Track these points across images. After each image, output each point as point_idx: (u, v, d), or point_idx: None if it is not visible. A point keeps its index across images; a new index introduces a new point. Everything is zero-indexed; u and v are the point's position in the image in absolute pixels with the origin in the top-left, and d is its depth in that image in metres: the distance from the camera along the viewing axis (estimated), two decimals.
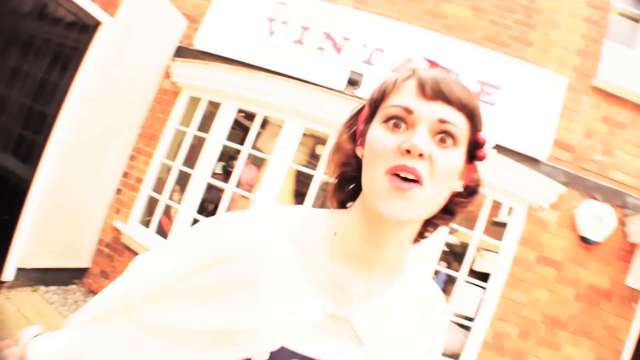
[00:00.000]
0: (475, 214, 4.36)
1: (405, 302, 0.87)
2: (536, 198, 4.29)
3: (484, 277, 4.38)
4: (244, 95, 4.49)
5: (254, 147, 4.62)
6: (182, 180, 4.90)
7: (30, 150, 4.16)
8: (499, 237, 4.36)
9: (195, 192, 4.57)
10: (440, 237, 4.29)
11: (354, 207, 0.85)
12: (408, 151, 0.71)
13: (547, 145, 4.42)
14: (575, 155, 4.44)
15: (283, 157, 4.36)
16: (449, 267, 5.89)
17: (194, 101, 5.04)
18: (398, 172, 0.71)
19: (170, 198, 4.91)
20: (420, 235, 0.90)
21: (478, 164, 0.85)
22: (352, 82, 4.41)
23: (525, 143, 4.41)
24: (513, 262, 4.30)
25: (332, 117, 4.20)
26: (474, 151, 0.81)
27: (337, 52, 4.72)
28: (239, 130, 6.61)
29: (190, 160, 4.93)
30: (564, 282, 4.24)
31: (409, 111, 0.74)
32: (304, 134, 4.51)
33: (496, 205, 4.59)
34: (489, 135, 0.80)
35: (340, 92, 4.35)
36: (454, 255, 5.98)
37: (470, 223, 4.40)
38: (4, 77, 3.85)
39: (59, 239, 4.54)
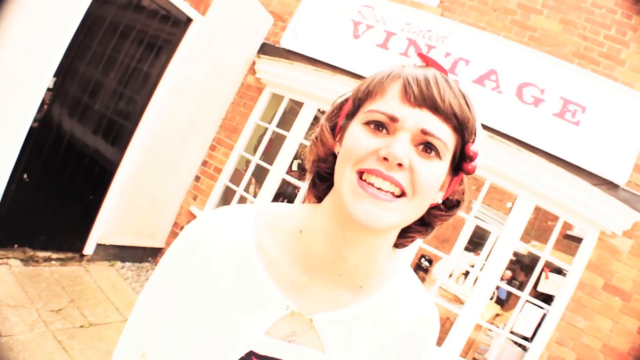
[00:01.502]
0: (549, 226, 4.31)
1: (378, 321, 0.81)
2: (610, 224, 4.19)
3: (545, 298, 4.37)
4: (325, 97, 4.57)
5: None
6: (258, 174, 5.07)
7: (119, 135, 4.38)
8: (570, 251, 4.29)
9: (270, 186, 4.74)
10: (509, 245, 4.29)
11: (323, 204, 0.81)
12: (386, 159, 0.66)
13: (627, 170, 4.29)
14: None
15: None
16: (514, 276, 5.90)
17: (276, 98, 5.17)
18: (371, 179, 0.67)
19: (246, 190, 5.10)
20: (396, 246, 0.86)
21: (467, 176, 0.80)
22: None
23: (605, 166, 4.28)
24: (578, 286, 4.26)
25: None
26: (461, 163, 0.76)
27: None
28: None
29: (268, 155, 5.09)
30: (629, 313, 4.17)
31: (393, 119, 0.68)
32: None
33: None
34: (479, 148, 0.75)
35: None
36: (520, 265, 5.98)
37: (543, 235, 4.36)
38: (101, 64, 4.04)
39: (137, 219, 4.81)
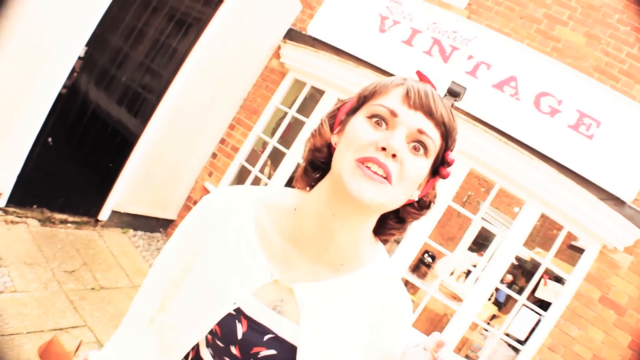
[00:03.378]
0: (553, 234, 4.38)
1: (353, 298, 0.90)
2: (612, 239, 4.25)
3: (542, 304, 4.47)
4: (347, 88, 4.65)
5: None
6: (274, 156, 5.18)
7: (143, 107, 4.48)
8: (573, 261, 4.37)
9: (285, 170, 4.85)
10: (512, 249, 4.38)
11: (317, 187, 0.91)
12: (384, 148, 0.77)
13: (635, 187, 4.34)
14: None
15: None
16: (515, 281, 5.98)
17: (298, 84, 5.25)
18: (368, 164, 0.77)
19: (261, 171, 5.21)
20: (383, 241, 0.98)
21: (440, 181, 0.92)
22: (453, 93, 4.41)
23: (614, 182, 4.33)
24: (575, 296, 4.34)
25: None
26: (439, 167, 0.88)
27: (444, 60, 4.74)
28: None
29: (285, 138, 5.19)
30: (622, 327, 4.25)
31: (393, 114, 0.80)
32: None
33: None
34: (456, 156, 0.87)
35: None
36: (522, 270, 6.05)
37: (547, 243, 4.42)
38: (131, 38, 4.13)
39: (153, 190, 4.93)
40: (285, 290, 0.89)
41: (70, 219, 4.39)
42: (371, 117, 0.82)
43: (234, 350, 0.89)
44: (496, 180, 4.46)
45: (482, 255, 6.78)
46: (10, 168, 3.74)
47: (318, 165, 0.94)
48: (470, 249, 7.69)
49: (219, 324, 0.88)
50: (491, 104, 4.53)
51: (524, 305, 4.39)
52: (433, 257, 6.58)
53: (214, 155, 5.44)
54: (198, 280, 0.92)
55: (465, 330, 4.43)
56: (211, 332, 0.90)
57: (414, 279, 4.96)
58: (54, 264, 3.72)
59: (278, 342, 0.87)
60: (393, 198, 0.81)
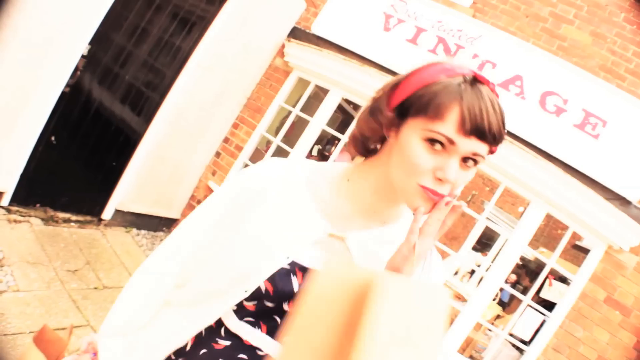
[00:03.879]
0: (558, 234, 4.36)
1: (394, 242, 0.94)
2: (618, 239, 4.23)
3: (547, 305, 4.45)
4: (351, 87, 4.64)
5: None
6: (278, 155, 5.14)
7: (146, 106, 4.47)
8: (578, 261, 4.35)
9: None
10: (517, 249, 4.35)
11: (375, 170, 0.97)
12: (440, 179, 0.83)
13: None
14: None
15: None
16: (519, 280, 5.96)
17: (302, 82, 5.23)
18: (428, 192, 0.83)
19: None
20: None
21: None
22: None
23: (620, 182, 4.30)
24: (580, 296, 4.31)
25: None
26: None
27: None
28: (340, 113, 6.79)
29: (289, 137, 5.17)
30: (627, 328, 4.23)
31: (451, 142, 0.81)
32: None
33: None
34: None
35: None
36: (526, 270, 6.03)
37: (551, 243, 4.40)
38: (135, 36, 4.12)
39: (156, 189, 4.92)
40: (339, 241, 0.95)
41: (74, 218, 4.38)
42: (428, 140, 0.83)
43: (286, 307, 0.92)
44: (501, 179, 4.44)
45: (486, 255, 6.76)
46: (14, 167, 3.73)
47: (367, 142, 1.00)
48: (475, 248, 7.68)
49: (271, 280, 0.90)
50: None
51: (528, 305, 4.37)
52: None
53: (218, 154, 5.42)
54: (243, 242, 0.94)
55: (469, 330, 4.41)
56: (257, 295, 0.91)
57: None
58: (57, 263, 3.71)
59: None
60: None
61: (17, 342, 2.80)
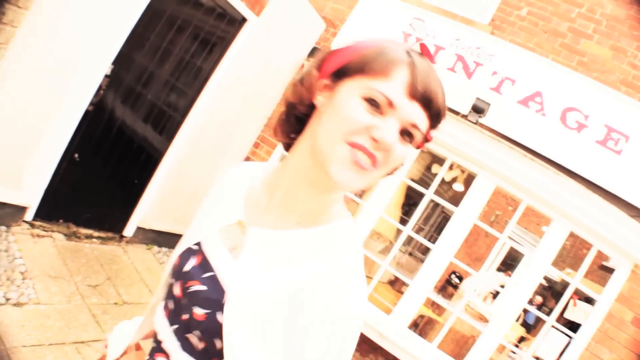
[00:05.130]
0: (584, 254, 4.26)
1: (304, 250, 0.83)
2: None
3: (572, 326, 4.33)
4: None
5: None
6: None
7: (168, 125, 4.56)
8: (604, 282, 4.24)
9: None
10: (539, 269, 4.26)
11: (297, 148, 0.89)
12: (376, 140, 0.74)
13: None
14: None
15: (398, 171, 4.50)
16: (545, 302, 5.83)
17: None
18: (357, 152, 0.75)
19: None
20: None
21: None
22: (477, 110, 4.38)
23: None
24: (606, 317, 4.19)
25: (450, 139, 4.26)
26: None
27: (468, 76, 4.71)
28: None
29: None
30: None
31: (391, 105, 0.75)
32: (422, 151, 4.60)
33: None
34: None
35: (463, 117, 4.39)
36: (552, 291, 5.90)
37: (577, 264, 4.30)
38: (157, 56, 4.23)
39: (177, 207, 4.97)
40: (242, 231, 0.90)
41: (96, 234, 4.45)
42: (367, 99, 0.76)
43: (177, 289, 0.91)
44: (522, 197, 4.38)
45: (509, 275, 6.64)
46: (38, 183, 3.82)
47: (296, 115, 0.90)
48: (499, 269, 7.55)
49: (180, 256, 0.94)
50: (516, 120, 4.48)
51: (552, 326, 4.26)
52: (460, 278, 6.46)
53: None
54: (192, 225, 1.02)
55: (492, 352, 4.30)
56: (173, 270, 0.96)
57: (439, 299, 4.86)
58: (78, 277, 3.76)
59: (214, 281, 0.85)
60: (372, 181, 0.81)
61: (36, 354, 2.84)
